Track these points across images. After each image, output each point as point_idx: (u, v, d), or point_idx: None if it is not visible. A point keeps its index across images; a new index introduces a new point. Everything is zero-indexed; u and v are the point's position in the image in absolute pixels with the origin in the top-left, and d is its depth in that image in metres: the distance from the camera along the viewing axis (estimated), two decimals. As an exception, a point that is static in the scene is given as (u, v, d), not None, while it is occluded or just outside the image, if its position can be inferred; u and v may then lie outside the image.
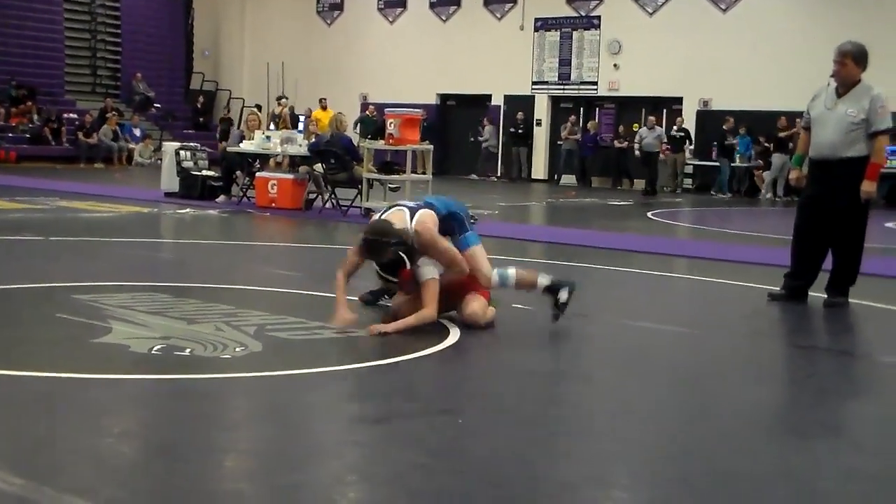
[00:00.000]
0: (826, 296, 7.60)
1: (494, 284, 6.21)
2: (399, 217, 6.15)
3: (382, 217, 6.23)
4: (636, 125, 25.77)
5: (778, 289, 7.75)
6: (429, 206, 6.30)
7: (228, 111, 29.42)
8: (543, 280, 6.30)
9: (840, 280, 7.61)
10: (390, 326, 5.92)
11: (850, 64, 7.42)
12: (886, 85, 7.57)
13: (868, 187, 7.39)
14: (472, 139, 27.60)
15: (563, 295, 6.22)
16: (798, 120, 21.71)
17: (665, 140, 23.88)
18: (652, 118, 24.40)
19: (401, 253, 5.95)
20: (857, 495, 3.62)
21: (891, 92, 7.57)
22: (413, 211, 6.18)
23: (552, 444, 4.07)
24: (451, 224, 6.28)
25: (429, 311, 5.94)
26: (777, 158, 22.33)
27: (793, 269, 7.75)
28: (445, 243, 6.11)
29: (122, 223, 12.41)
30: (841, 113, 7.41)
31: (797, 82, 21.30)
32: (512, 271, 6.31)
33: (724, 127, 23.13)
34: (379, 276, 6.08)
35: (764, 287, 8.19)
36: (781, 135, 22.02)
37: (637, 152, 23.76)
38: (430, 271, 6.01)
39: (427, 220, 6.12)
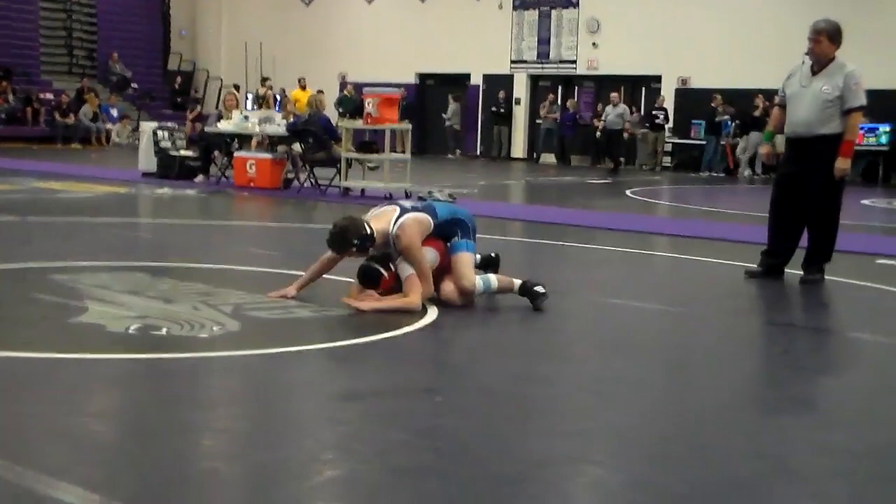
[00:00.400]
0: (802, 272, 7.64)
1: (478, 291, 6.16)
2: (385, 218, 6.12)
3: (367, 215, 6.23)
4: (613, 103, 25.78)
5: (755, 266, 7.80)
6: (428, 209, 6.25)
7: (196, 91, 29.15)
8: (518, 281, 6.30)
9: (816, 257, 7.65)
10: (368, 305, 5.91)
11: (825, 41, 7.45)
12: (859, 62, 7.59)
13: (842, 164, 7.44)
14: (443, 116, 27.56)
15: (538, 288, 6.22)
16: (774, 97, 21.89)
17: (629, 118, 23.87)
18: (615, 95, 24.44)
19: (378, 267, 5.97)
20: (829, 468, 3.65)
21: (864, 69, 7.58)
22: (403, 213, 6.13)
23: (530, 422, 4.08)
24: (453, 229, 6.23)
25: (412, 299, 5.93)
26: (755, 136, 22.42)
27: (769, 246, 7.80)
28: (421, 255, 6.01)
29: (99, 203, 12.34)
30: (816, 90, 7.45)
31: (774, 61, 21.30)
32: (493, 276, 6.29)
33: (712, 104, 23.03)
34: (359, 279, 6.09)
35: (741, 264, 8.23)
36: (756, 113, 22.11)
37: (598, 132, 23.80)
38: (409, 267, 5.99)
39: (411, 225, 6.04)
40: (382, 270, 6.01)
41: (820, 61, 7.53)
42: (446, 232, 6.22)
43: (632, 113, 25.13)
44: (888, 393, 4.82)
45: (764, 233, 7.95)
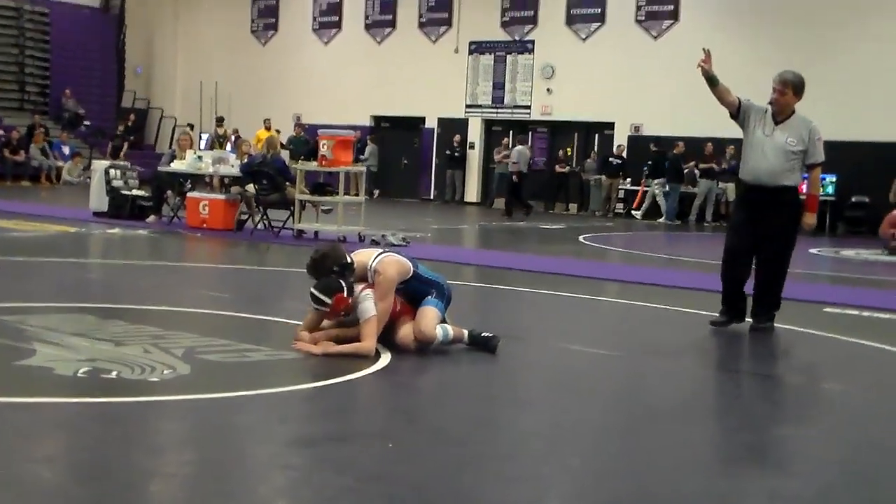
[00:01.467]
0: (752, 321, 7.68)
1: (438, 341, 6.13)
2: (368, 254, 6.21)
3: (355, 251, 6.28)
4: (569, 149, 26.03)
5: (717, 315, 7.75)
6: (411, 261, 6.29)
7: (124, 128, 28.74)
8: (466, 332, 6.32)
9: (766, 305, 7.66)
10: (321, 349, 5.89)
11: (790, 94, 7.51)
12: (808, 113, 7.70)
13: (810, 219, 7.69)
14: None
15: (486, 333, 6.27)
16: (729, 147, 22.16)
17: (530, 160, 23.84)
18: (505, 140, 24.90)
19: (341, 281, 5.95)
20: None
21: (817, 118, 7.70)
22: (385, 254, 6.20)
23: (483, 467, 4.07)
24: (429, 290, 6.26)
25: (367, 344, 5.90)
26: (703, 184, 22.76)
27: (727, 292, 7.72)
28: (390, 296, 6.03)
29: (49, 243, 12.21)
30: (780, 141, 7.50)
31: (724, 111, 21.71)
32: (449, 328, 6.25)
33: (674, 152, 23.11)
34: (311, 297, 6.02)
35: (694, 311, 8.30)
36: (702, 166, 22.49)
37: (512, 173, 23.73)
38: (372, 308, 5.97)
39: (392, 263, 6.09)
40: (345, 288, 5.93)
41: (783, 112, 7.56)
42: (421, 291, 6.24)
43: (587, 158, 25.40)
44: (838, 439, 4.87)
45: (712, 280, 8.02)
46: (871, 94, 21.21)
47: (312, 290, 5.98)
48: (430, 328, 6.09)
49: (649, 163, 23.55)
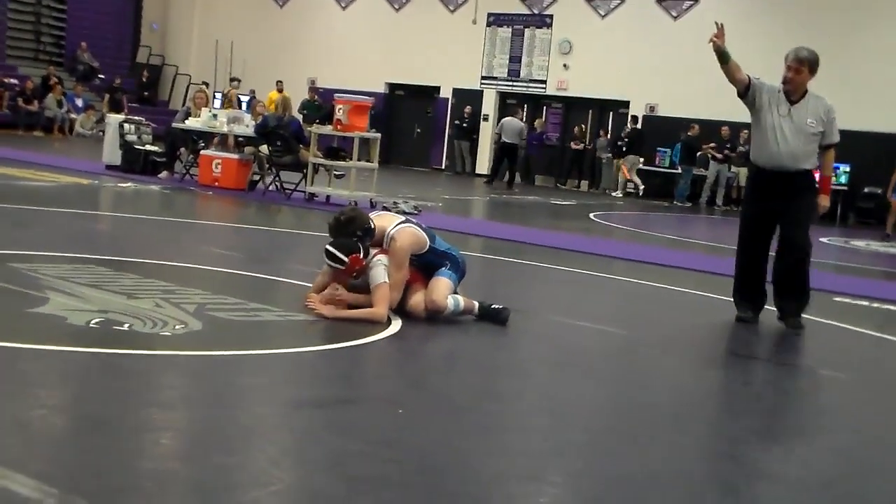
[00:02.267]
0: (785, 318, 7.26)
1: (448, 310, 6.14)
2: (387, 220, 6.26)
3: (373, 212, 6.33)
4: (584, 126, 25.94)
5: (740, 311, 7.36)
6: (428, 233, 6.30)
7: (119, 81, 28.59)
8: (476, 304, 6.34)
9: (795, 295, 7.23)
10: (332, 312, 5.91)
11: (805, 72, 7.11)
12: (828, 93, 7.48)
13: (825, 202, 7.31)
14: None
15: (496, 306, 6.31)
16: (742, 131, 22.13)
17: (525, 136, 23.94)
18: (519, 113, 24.86)
19: (359, 243, 5.98)
20: (782, 498, 3.70)
21: (834, 106, 7.51)
22: (406, 222, 6.23)
23: (490, 439, 4.10)
24: (443, 262, 6.27)
25: (379, 310, 5.93)
26: (713, 167, 22.71)
27: (743, 286, 7.38)
28: (404, 266, 6.07)
29: (61, 193, 12.23)
30: (800, 122, 7.10)
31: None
32: (460, 298, 6.26)
33: (689, 133, 23.14)
34: (326, 254, 6.04)
35: (701, 293, 8.31)
36: (712, 148, 22.50)
37: (495, 143, 23.70)
38: (383, 274, 5.99)
39: (408, 234, 6.12)
40: (362, 250, 5.98)
41: (797, 91, 7.15)
42: (436, 263, 6.27)
43: (599, 136, 25.36)
44: (842, 426, 4.89)
45: (721, 264, 8.01)
46: (889, 84, 21.09)
47: (329, 246, 6.01)
48: (441, 298, 6.11)
49: (626, 140, 23.76)
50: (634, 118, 24.18)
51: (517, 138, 23.27)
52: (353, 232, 6.03)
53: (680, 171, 23.19)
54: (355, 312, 5.94)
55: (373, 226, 6.10)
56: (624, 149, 23.74)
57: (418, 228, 6.26)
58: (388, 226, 6.14)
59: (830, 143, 7.25)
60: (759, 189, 7.33)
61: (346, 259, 5.94)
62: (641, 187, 23.36)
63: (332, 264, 6.02)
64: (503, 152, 23.30)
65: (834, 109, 7.22)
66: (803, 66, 7.08)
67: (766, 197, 7.22)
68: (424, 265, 6.26)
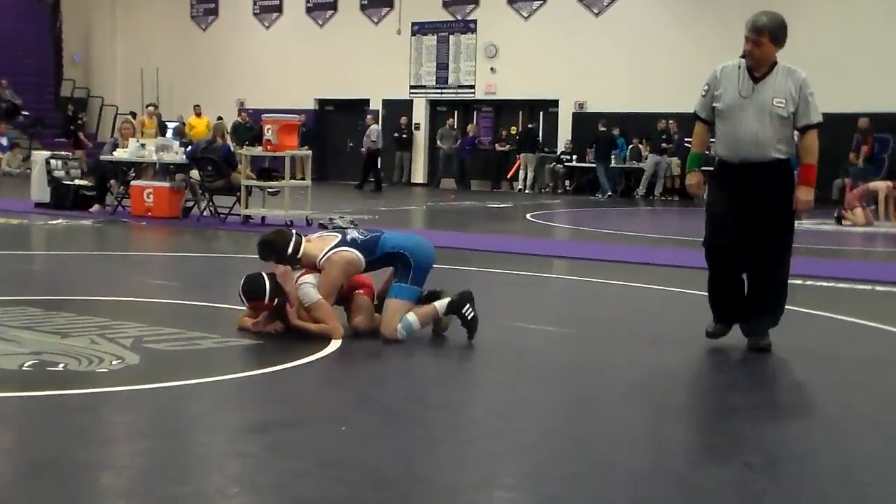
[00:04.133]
0: (749, 335, 6.16)
1: (404, 336, 6.00)
2: (323, 244, 6.05)
3: (311, 235, 6.22)
4: (513, 128, 26.07)
5: (713, 325, 6.30)
6: (368, 245, 6.07)
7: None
8: (441, 304, 6.16)
9: (767, 314, 6.10)
10: (292, 316, 5.88)
11: (766, 42, 5.85)
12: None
13: (806, 195, 5.91)
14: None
15: (468, 312, 6.10)
16: (670, 122, 22.42)
17: (375, 139, 24.51)
18: (370, 117, 25.51)
19: (267, 285, 5.95)
20: (732, 485, 3.71)
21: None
22: (341, 245, 6.03)
23: (439, 449, 4.07)
24: (395, 264, 6.13)
25: (334, 325, 5.93)
26: (651, 159, 22.97)
27: (721, 304, 6.25)
28: (333, 295, 5.99)
29: (-11, 235, 11.99)
30: (764, 102, 5.88)
31: (670, 84, 21.89)
32: (412, 317, 6.03)
33: (601, 129, 23.44)
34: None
35: (644, 286, 8.34)
36: (634, 141, 22.98)
37: (363, 149, 24.30)
38: (314, 292, 5.90)
39: (338, 262, 5.97)
40: (267, 292, 5.93)
41: (761, 65, 5.92)
42: (386, 262, 6.16)
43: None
44: (800, 412, 4.93)
45: (662, 255, 8.04)
46: (808, 69, 21.38)
47: (240, 290, 6.02)
48: (390, 330, 5.98)
49: (516, 137, 25.23)
50: (532, 116, 25.57)
51: (380, 143, 24.36)
52: (271, 254, 6.03)
53: (531, 163, 24.57)
54: (313, 326, 5.90)
55: (291, 250, 5.99)
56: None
57: (353, 252, 6.03)
58: (321, 251, 6.00)
59: (808, 125, 5.92)
60: (723, 187, 6.10)
61: (245, 304, 6.01)
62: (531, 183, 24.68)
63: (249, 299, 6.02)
64: (370, 158, 24.08)
65: (809, 83, 5.93)
66: (762, 36, 5.84)
67: (732, 195, 6.01)
68: (379, 267, 6.18)
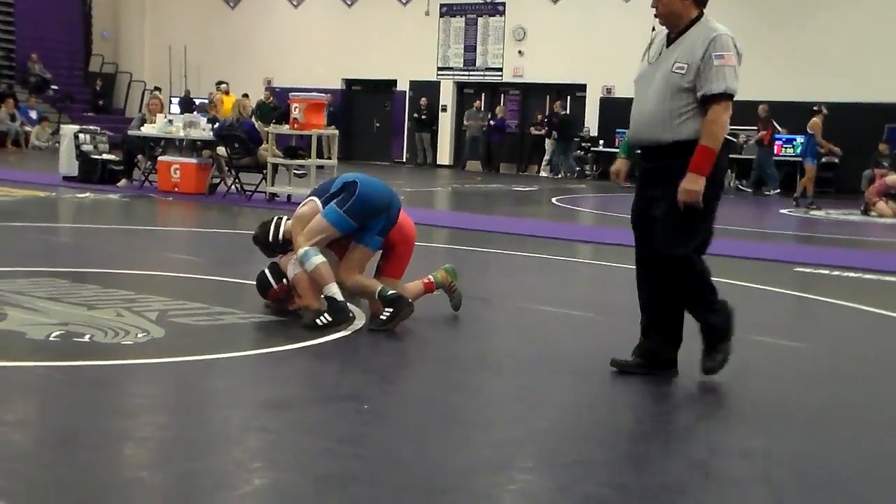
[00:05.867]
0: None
1: (298, 258, 5.69)
2: (297, 216, 5.95)
3: (284, 218, 6.16)
4: (540, 113, 26.00)
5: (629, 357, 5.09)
6: (318, 189, 5.95)
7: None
8: (381, 290, 5.76)
9: (667, 336, 4.99)
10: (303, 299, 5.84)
11: None
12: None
13: (690, 184, 4.61)
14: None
15: (385, 313, 5.72)
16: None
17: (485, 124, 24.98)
18: (477, 103, 25.93)
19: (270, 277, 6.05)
20: (751, 474, 3.71)
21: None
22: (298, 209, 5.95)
23: (457, 431, 4.09)
24: (343, 196, 5.71)
25: (353, 275, 5.83)
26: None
27: (642, 318, 5.18)
28: (311, 237, 5.69)
29: (18, 207, 12.09)
30: (667, 69, 4.77)
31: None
32: (317, 259, 5.62)
33: (561, 112, 24.31)
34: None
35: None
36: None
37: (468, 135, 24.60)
38: (296, 265, 5.75)
39: (296, 215, 5.89)
40: (272, 281, 6.03)
41: (672, 25, 4.85)
42: (339, 195, 5.75)
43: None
44: (801, 398, 4.92)
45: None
46: (836, 57, 21.22)
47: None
48: (300, 242, 5.72)
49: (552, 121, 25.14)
50: (561, 104, 25.38)
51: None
52: (265, 248, 6.17)
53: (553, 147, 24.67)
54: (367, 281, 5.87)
55: (272, 239, 6.05)
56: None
57: (309, 199, 5.90)
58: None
59: (708, 94, 4.64)
60: (638, 175, 5.09)
61: (263, 297, 6.12)
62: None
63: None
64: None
65: (726, 43, 4.66)
66: None
67: (640, 184, 5.02)
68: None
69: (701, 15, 4.78)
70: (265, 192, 13.83)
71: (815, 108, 17.03)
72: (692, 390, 5.05)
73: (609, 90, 24.95)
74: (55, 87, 29.10)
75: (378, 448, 3.76)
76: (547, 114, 25.40)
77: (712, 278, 4.93)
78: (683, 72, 4.68)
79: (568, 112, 25.34)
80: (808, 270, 9.05)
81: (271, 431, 3.95)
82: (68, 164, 15.62)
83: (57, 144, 19.78)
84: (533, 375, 5.07)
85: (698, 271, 4.82)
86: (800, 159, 21.25)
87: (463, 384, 4.86)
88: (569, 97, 25.96)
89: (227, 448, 3.73)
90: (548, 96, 26.09)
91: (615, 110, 24.20)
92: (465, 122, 26.39)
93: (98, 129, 16.59)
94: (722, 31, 4.69)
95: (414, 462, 3.64)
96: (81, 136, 15.74)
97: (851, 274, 8.95)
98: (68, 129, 16.31)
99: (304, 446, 3.74)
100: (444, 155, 27.46)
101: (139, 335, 5.25)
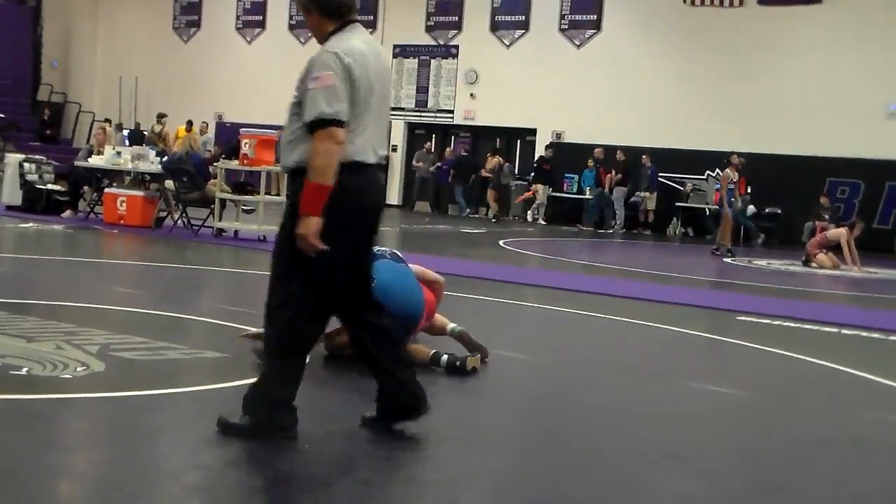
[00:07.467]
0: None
1: None
2: None
3: None
4: (489, 155, 26.15)
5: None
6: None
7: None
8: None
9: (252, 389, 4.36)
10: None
11: (315, 14, 4.45)
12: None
13: (305, 228, 4.08)
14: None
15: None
16: (643, 157, 22.55)
17: (507, 170, 24.80)
18: (427, 144, 26.16)
19: None
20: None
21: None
22: None
23: (398, 470, 4.08)
24: None
25: None
26: (618, 191, 23.00)
27: None
28: None
29: (-42, 236, 11.90)
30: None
31: (646, 118, 22.06)
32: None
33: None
34: None
35: (611, 317, 8.38)
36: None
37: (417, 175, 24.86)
38: None
39: None
40: None
41: (320, 43, 4.48)
42: None
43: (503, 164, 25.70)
44: (736, 442, 4.97)
45: (641, 288, 8.10)
46: (782, 112, 21.59)
47: None
48: None
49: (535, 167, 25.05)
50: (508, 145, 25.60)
51: None
52: None
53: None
54: None
55: None
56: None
57: None
58: None
59: (307, 121, 4.27)
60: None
61: None
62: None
63: None
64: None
65: (324, 64, 4.27)
66: (311, 2, 4.44)
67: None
68: None
69: (338, 30, 4.37)
70: (212, 228, 13.75)
71: (725, 159, 17.26)
72: (637, 431, 5.09)
73: (559, 135, 25.19)
74: (1, 116, 28.74)
75: (317, 487, 3.74)
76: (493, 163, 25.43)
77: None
78: (296, 95, 4.40)
79: (470, 154, 26.00)
80: (749, 319, 9.15)
81: (209, 469, 3.91)
82: (11, 193, 15.46)
83: (1, 173, 19.55)
84: (474, 415, 5.05)
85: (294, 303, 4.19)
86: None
87: (404, 423, 4.84)
88: (518, 141, 26.17)
89: (166, 485, 3.69)
90: (498, 139, 26.26)
91: (566, 155, 24.46)
92: (414, 163, 26.49)
93: (44, 158, 16.44)
94: (328, 48, 4.28)
95: (354, 501, 3.62)
96: (27, 165, 15.59)
97: (790, 324, 9.07)
98: (13, 158, 16.14)
99: (243, 484, 3.71)
100: (394, 195, 27.50)
101: (78, 369, 5.18)
